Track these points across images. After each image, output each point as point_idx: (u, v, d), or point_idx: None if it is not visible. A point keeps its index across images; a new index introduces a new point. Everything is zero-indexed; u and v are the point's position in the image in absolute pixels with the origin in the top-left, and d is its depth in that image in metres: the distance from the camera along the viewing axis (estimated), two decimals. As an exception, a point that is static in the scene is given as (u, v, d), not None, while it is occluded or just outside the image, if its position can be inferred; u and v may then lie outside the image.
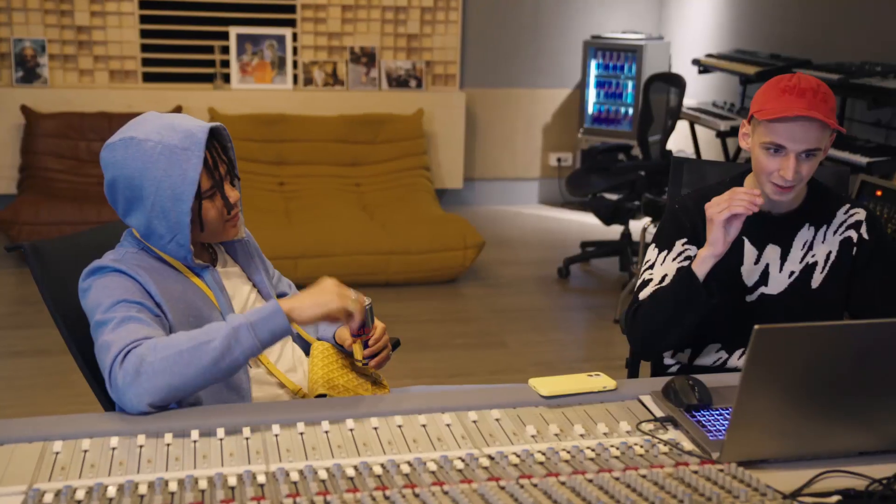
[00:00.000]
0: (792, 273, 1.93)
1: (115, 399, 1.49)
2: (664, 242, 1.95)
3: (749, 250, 1.93)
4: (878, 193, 2.68)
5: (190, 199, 1.60)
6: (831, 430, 1.40)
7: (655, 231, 2.02)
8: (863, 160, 3.66)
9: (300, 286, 2.00)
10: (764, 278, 1.93)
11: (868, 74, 3.87)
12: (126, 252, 1.67)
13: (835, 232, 1.93)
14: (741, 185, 1.95)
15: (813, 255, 1.92)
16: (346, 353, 1.83)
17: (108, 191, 1.65)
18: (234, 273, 1.81)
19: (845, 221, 1.93)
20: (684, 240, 1.93)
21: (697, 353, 2.01)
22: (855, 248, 1.92)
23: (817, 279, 1.92)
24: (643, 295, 1.91)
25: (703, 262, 1.79)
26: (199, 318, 1.66)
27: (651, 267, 1.94)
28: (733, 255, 1.91)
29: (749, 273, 1.93)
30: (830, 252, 1.92)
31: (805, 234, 1.93)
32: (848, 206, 1.95)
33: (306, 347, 1.89)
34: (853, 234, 1.92)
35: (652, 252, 1.97)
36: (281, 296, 1.97)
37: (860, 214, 1.94)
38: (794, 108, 1.73)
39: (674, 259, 1.92)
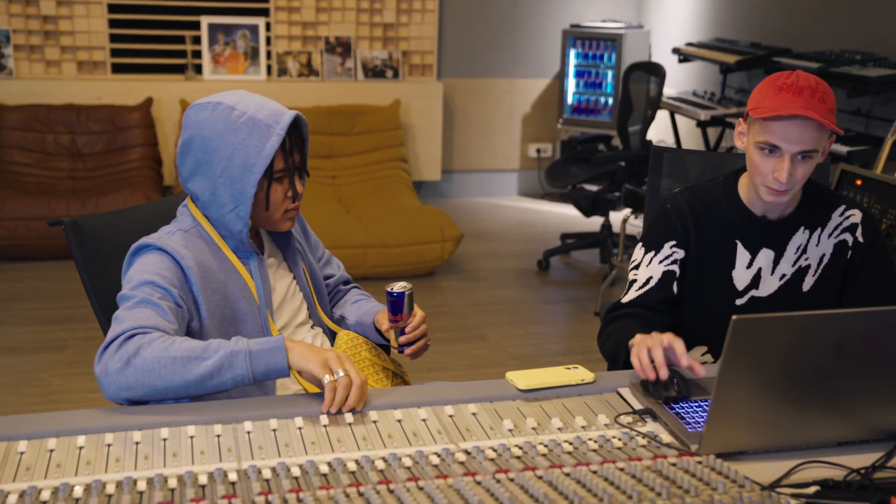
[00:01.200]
0: (783, 276, 1.90)
1: (96, 373, 1.47)
2: (652, 243, 1.92)
3: (742, 254, 1.90)
4: (858, 183, 2.67)
5: (259, 173, 1.62)
6: (810, 421, 1.39)
7: (645, 228, 1.98)
8: (843, 149, 3.66)
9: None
10: (755, 282, 1.90)
11: (848, 63, 3.88)
12: (177, 230, 1.69)
13: (829, 235, 1.89)
14: (735, 184, 1.92)
15: (806, 259, 1.90)
16: (384, 339, 1.84)
17: (181, 150, 1.67)
18: (278, 264, 1.83)
19: (841, 224, 1.89)
20: (673, 242, 1.90)
21: None
22: (850, 252, 1.89)
23: (808, 282, 1.90)
24: (626, 299, 1.89)
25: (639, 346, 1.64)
26: (235, 311, 1.68)
27: (637, 267, 1.92)
28: (726, 260, 1.90)
29: (740, 277, 1.90)
30: (824, 255, 1.89)
31: (799, 237, 1.89)
32: (844, 206, 1.91)
33: (333, 336, 1.89)
34: (848, 237, 1.89)
35: (639, 251, 1.94)
36: (328, 278, 2.00)
37: (856, 216, 1.90)
38: (791, 107, 1.69)
39: (660, 262, 1.90)
